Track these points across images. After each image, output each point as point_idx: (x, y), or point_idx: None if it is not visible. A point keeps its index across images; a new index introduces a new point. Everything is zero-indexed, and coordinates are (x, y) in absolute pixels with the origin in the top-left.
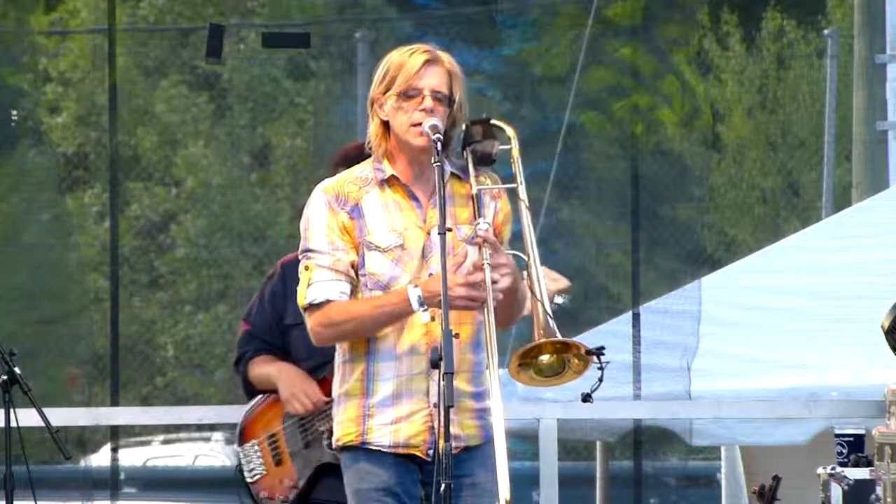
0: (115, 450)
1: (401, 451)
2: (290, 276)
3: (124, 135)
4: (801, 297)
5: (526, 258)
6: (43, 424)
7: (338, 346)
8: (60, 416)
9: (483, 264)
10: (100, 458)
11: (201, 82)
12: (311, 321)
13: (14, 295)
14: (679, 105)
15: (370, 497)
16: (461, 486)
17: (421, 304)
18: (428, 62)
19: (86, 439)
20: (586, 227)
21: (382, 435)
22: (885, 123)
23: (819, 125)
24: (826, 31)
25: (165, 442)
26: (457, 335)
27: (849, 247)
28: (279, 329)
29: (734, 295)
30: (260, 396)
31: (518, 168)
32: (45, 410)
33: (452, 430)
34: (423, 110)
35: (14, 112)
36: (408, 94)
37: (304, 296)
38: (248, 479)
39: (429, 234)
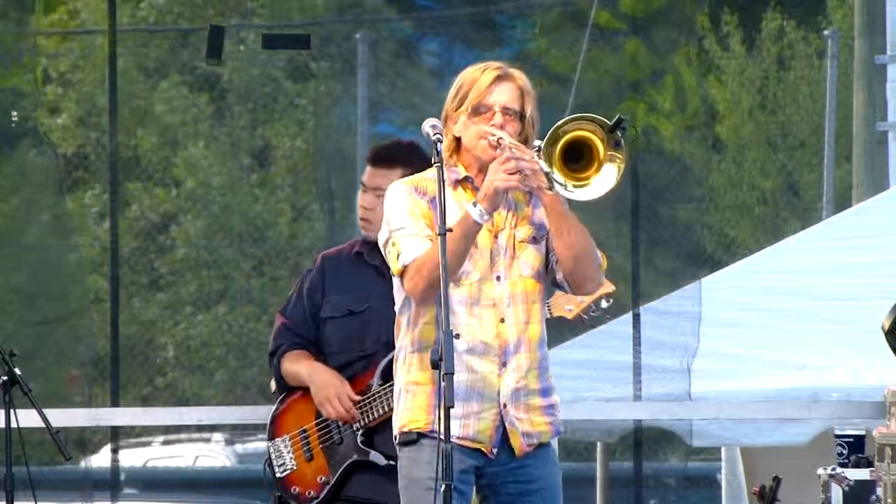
0: (115, 451)
1: (468, 443)
2: (329, 269)
3: (124, 135)
4: (801, 297)
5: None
6: (43, 425)
7: (402, 337)
8: (60, 417)
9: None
10: (100, 459)
11: (201, 83)
12: (405, 283)
13: (14, 295)
14: (679, 105)
15: (427, 485)
16: (534, 490)
17: (481, 213)
18: (499, 78)
19: (86, 440)
20: (586, 227)
21: (452, 427)
22: (885, 124)
23: (819, 126)
24: (826, 32)
25: (165, 443)
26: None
27: (849, 247)
28: (315, 322)
29: (734, 295)
30: (290, 391)
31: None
32: (46, 411)
33: (524, 428)
34: (493, 125)
35: (14, 113)
36: (479, 111)
37: (395, 263)
38: (278, 474)
39: (496, 237)
